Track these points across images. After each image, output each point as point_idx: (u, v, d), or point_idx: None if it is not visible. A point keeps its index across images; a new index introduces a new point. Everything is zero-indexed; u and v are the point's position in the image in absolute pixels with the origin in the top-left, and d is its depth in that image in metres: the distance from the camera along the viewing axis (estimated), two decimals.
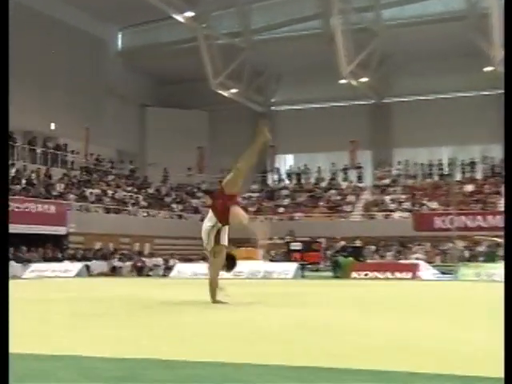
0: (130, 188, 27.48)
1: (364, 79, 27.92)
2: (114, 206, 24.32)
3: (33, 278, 14.93)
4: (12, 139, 24.03)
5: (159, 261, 21.34)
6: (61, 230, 20.51)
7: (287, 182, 31.91)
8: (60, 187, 23.17)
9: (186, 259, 22.38)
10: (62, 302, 6.65)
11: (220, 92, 29.64)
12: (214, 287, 6.22)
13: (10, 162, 23.04)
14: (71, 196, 22.76)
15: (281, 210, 28.39)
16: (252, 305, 6.33)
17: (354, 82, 27.43)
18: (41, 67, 26.48)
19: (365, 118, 31.51)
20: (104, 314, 5.40)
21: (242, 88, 30.13)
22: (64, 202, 21.64)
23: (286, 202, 29.74)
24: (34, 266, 16.62)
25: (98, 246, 21.65)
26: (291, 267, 16.74)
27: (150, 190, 29.10)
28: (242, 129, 34.01)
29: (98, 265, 19.56)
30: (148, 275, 20.03)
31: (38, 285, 11.04)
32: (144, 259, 21.43)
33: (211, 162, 33.57)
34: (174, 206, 28.66)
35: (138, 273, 20.11)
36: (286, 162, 34.33)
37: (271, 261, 20.09)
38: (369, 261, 19.40)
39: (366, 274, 15.58)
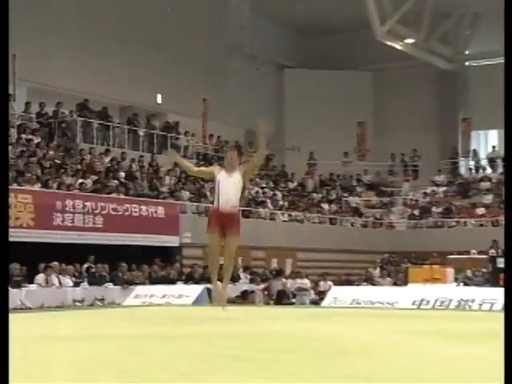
0: (263, 182, 27.92)
1: None
2: (241, 206, 24.35)
3: (138, 306, 14.80)
4: (105, 117, 24.43)
5: (306, 283, 21.18)
6: (172, 241, 21.14)
7: (489, 170, 31.35)
8: (170, 182, 23.41)
9: (344, 281, 22.19)
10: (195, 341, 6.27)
11: (389, 44, 29.31)
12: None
13: (104, 147, 23.49)
14: (185, 194, 23.02)
15: (480, 210, 28.45)
16: None
17: None
18: (137, 21, 27.16)
19: None
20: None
21: (421, 37, 29.76)
22: (176, 202, 21.82)
23: (488, 199, 28.92)
24: (139, 290, 16.96)
25: (221, 261, 21.69)
26: (499, 294, 15.21)
27: (291, 185, 29.94)
28: (421, 95, 32.85)
29: None
30: (290, 303, 20.03)
31: (151, 314, 10.79)
32: (285, 280, 21.73)
33: (376, 143, 33.11)
34: (324, 206, 28.95)
35: (276, 299, 20.26)
36: (488, 141, 33.04)
37: (466, 284, 20.15)
38: None
39: None
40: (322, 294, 19.31)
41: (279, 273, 22.92)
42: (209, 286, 18.69)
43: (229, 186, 8.61)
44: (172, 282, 19.07)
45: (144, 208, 20.41)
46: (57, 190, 18.90)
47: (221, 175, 8.71)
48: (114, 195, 20.27)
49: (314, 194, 29.83)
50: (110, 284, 17.86)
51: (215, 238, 8.72)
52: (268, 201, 26.46)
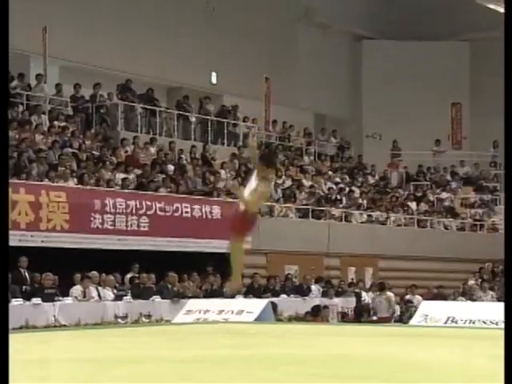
0: (336, 175, 28.01)
1: None
2: (311, 205, 24.79)
3: (191, 324, 15.02)
4: (150, 100, 24.70)
5: (390, 297, 21.12)
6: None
7: None
8: (227, 176, 23.88)
9: (436, 295, 22.13)
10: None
11: (491, 7, 28.99)
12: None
13: (149, 135, 23.81)
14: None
15: None
16: None
17: None
18: None
19: None
20: None
21: None
22: (234, 200, 21.93)
23: None
24: (191, 304, 17.11)
25: (287, 270, 22.21)
26: None
27: (371, 179, 29.85)
28: None
29: (289, 302, 20.07)
30: (371, 321, 20.02)
31: (208, 333, 10.95)
32: (364, 294, 21.85)
33: (475, 128, 32.92)
34: (411, 204, 28.79)
35: (355, 316, 20.40)
36: None
37: None
38: None
39: None
40: (409, 310, 19.29)
41: (356, 284, 23.00)
42: (273, 299, 19.05)
43: None
44: (230, 295, 18.84)
45: (197, 208, 20.61)
46: (95, 187, 19.15)
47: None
48: (161, 192, 20.53)
49: (399, 191, 29.71)
50: (158, 297, 17.99)
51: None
52: (343, 198, 26.48)
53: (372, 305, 21.12)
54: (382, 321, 19.81)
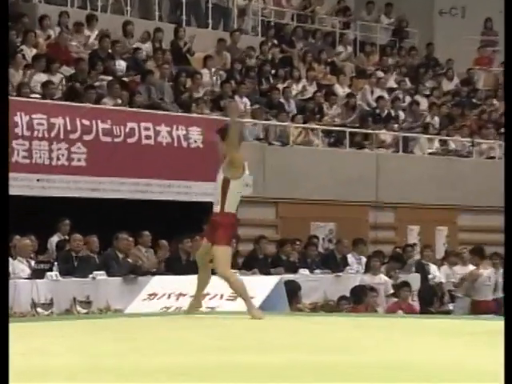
0: (390, 77, 29.15)
1: None
2: (348, 126, 25.85)
3: (154, 315, 15.17)
4: None
5: (480, 274, 21.34)
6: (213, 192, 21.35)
7: None
8: (211, 77, 23.44)
9: None
10: None
11: None
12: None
13: (86, 11, 23.52)
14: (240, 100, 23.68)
15: None
16: None
17: None
18: None
19: None
20: None
21: None
22: (222, 117, 22.33)
23: None
24: (155, 285, 17.21)
25: (312, 230, 23.50)
26: None
27: (448, 84, 30.85)
28: None
29: (313, 282, 20.97)
30: (445, 311, 20.98)
31: (180, 332, 11.16)
32: (433, 267, 22.94)
33: None
34: None
35: (421, 302, 21.03)
36: None
37: None
38: None
39: None
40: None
41: (423, 253, 23.19)
42: (287, 276, 18.91)
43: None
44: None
45: (164, 130, 21.17)
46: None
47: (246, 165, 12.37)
48: (106, 105, 20.95)
49: (493, 102, 29.97)
50: (102, 273, 18.21)
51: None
52: (401, 115, 27.00)
53: (447, 287, 21.75)
54: (483, 307, 20.12)
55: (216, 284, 16.22)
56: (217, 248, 12.42)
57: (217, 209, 12.39)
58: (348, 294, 19.84)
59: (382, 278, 21.11)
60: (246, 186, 13.86)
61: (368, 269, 21.34)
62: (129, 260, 19.02)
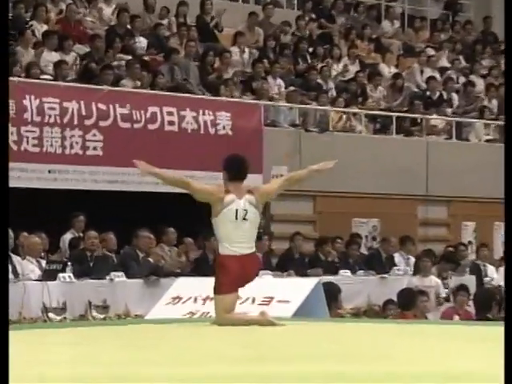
0: (443, 55, 29.34)
1: None
2: (395, 110, 26.11)
3: (179, 321, 15.03)
4: None
5: None
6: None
7: None
8: (241, 56, 23.61)
9: None
10: None
11: None
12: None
13: None
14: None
15: None
16: None
17: None
18: None
19: None
20: None
21: None
22: (257, 101, 22.14)
23: None
24: (179, 287, 17.13)
25: (354, 227, 23.91)
26: None
27: None
28: None
29: (356, 284, 21.21)
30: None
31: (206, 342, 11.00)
32: (490, 268, 23.29)
33: None
34: None
35: (476, 307, 20.48)
36: None
37: None
38: None
39: None
40: None
41: (479, 252, 23.32)
42: (326, 278, 18.85)
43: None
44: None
45: (190, 115, 21.43)
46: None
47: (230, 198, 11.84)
48: (125, 87, 21.23)
49: None
50: (121, 274, 18.31)
51: (235, 300, 12.32)
52: (454, 97, 26.78)
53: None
54: None
55: (247, 287, 16.28)
56: (213, 296, 12.30)
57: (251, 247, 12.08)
58: (394, 298, 19.75)
59: (433, 280, 21.01)
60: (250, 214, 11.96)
61: (417, 270, 21.36)
62: (150, 260, 19.10)
